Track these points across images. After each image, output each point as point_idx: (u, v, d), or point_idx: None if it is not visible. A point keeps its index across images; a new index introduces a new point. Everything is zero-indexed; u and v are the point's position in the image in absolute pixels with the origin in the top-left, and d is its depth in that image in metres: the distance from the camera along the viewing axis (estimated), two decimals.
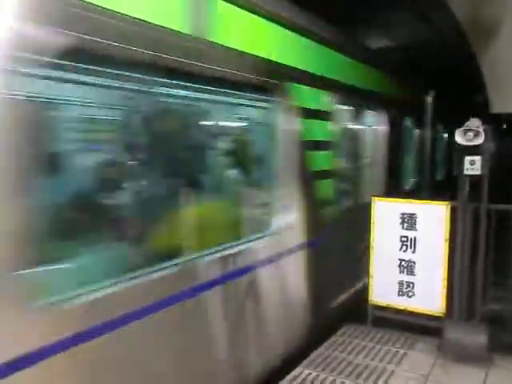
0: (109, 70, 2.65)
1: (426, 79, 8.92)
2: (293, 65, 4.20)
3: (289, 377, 3.80)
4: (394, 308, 4.64)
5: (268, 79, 3.86)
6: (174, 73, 2.99)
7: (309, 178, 4.44)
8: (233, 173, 4.25)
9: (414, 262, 4.48)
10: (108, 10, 2.44)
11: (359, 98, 5.76)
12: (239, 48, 3.50)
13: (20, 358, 2.07)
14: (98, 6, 2.38)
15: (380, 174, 6.52)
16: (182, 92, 3.39)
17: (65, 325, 2.29)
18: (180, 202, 3.22)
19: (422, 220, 4.43)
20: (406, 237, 4.50)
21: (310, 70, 4.51)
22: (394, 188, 6.78)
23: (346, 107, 5.45)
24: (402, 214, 4.51)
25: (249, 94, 3.92)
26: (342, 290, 5.20)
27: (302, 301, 4.37)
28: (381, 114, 6.45)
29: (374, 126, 6.42)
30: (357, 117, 5.99)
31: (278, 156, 4.13)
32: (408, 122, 8.05)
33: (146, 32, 2.69)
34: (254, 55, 3.67)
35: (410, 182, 8.39)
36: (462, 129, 4.02)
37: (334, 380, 3.75)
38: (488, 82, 6.33)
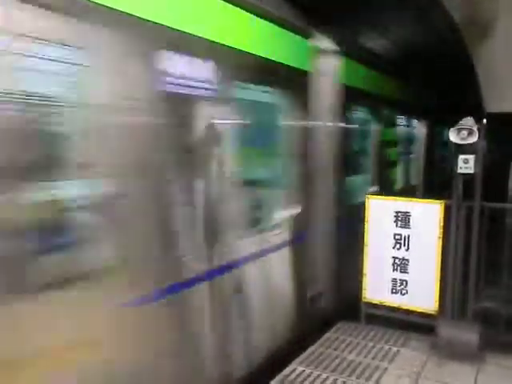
0: None
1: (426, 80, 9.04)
2: (380, 93, 6.78)
3: (282, 374, 3.81)
4: (387, 306, 4.67)
5: None
6: None
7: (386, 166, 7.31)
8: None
9: (408, 260, 4.50)
10: None
11: (408, 109, 8.38)
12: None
13: None
14: None
15: (421, 164, 9.68)
16: None
17: None
18: None
19: (415, 218, 4.45)
20: (400, 235, 4.52)
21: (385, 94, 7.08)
22: (431, 175, 9.99)
23: (401, 116, 8.13)
24: (396, 213, 4.53)
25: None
26: None
27: None
28: (421, 121, 9.37)
29: (417, 129, 9.42)
30: (407, 122, 8.73)
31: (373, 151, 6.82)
32: (438, 126, 10.83)
33: None
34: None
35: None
36: (455, 127, 4.04)
37: (327, 377, 3.77)
38: (483, 81, 6.35)
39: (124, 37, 2.55)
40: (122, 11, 2.49)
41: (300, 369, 3.90)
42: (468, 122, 4.06)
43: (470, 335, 4.08)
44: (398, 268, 4.54)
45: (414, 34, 7.41)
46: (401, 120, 8.16)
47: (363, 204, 4.73)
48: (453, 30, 6.26)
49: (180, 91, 2.96)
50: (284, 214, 4.35)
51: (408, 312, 4.57)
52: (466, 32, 6.05)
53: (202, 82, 3.13)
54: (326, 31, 4.93)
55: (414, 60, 8.04)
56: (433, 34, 7.51)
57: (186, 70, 2.98)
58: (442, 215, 4.31)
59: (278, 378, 3.76)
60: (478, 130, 3.98)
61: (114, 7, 2.45)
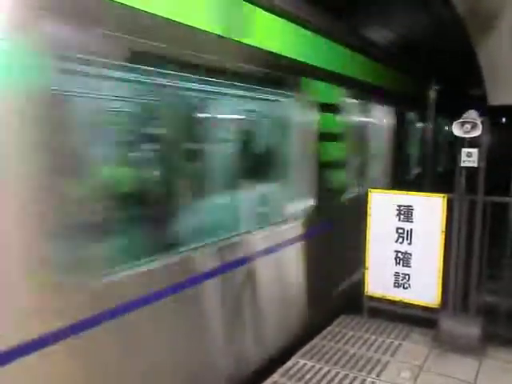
0: None
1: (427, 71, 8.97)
2: None
3: (284, 367, 3.83)
4: (389, 299, 4.67)
5: None
6: None
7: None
8: None
9: (410, 254, 4.49)
10: None
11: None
12: None
13: None
14: None
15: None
16: None
17: None
18: None
19: (418, 212, 4.43)
20: (403, 229, 4.51)
21: None
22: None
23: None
24: (399, 206, 4.51)
25: None
26: None
27: None
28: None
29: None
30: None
31: None
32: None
33: None
34: None
35: None
36: (459, 121, 4.01)
37: (329, 370, 3.78)
38: (486, 74, 6.31)
39: None
40: None
41: (302, 362, 3.91)
42: (471, 114, 4.03)
43: (471, 329, 4.09)
44: (401, 262, 4.54)
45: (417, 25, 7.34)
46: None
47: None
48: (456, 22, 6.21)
49: None
50: None
51: (410, 306, 4.57)
52: (471, 24, 6.00)
53: None
54: None
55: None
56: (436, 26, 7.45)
57: None
58: (444, 209, 4.30)
59: (280, 371, 3.77)
60: (482, 123, 3.96)
61: None
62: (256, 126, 4.61)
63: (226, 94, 3.89)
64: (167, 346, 2.96)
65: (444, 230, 4.30)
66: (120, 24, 2.51)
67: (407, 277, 4.52)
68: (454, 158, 4.17)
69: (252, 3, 3.52)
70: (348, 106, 5.43)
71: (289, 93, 4.25)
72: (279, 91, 4.17)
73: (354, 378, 3.65)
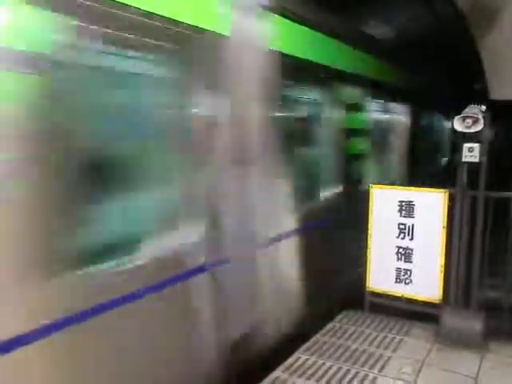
0: None
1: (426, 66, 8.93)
2: None
3: (286, 363, 3.83)
4: (391, 295, 4.67)
5: None
6: None
7: None
8: None
9: (412, 250, 4.49)
10: None
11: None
12: None
13: None
14: None
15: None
16: None
17: None
18: None
19: (419, 207, 4.43)
20: (404, 224, 4.51)
21: None
22: None
23: None
24: (400, 202, 4.51)
25: None
26: None
27: None
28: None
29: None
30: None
31: None
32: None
33: None
34: None
35: None
36: (460, 116, 4.00)
37: (331, 366, 3.78)
38: (488, 68, 6.28)
39: None
40: None
41: (304, 357, 3.92)
42: (473, 109, 4.02)
43: (473, 324, 4.08)
44: (402, 257, 4.53)
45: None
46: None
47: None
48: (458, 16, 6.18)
49: None
50: None
51: (412, 301, 4.57)
52: (472, 18, 5.97)
53: None
54: None
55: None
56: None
57: None
58: (445, 204, 4.29)
59: (282, 366, 3.78)
60: (484, 118, 3.94)
61: None
62: None
63: None
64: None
65: (445, 224, 4.29)
66: None
67: (409, 272, 4.52)
68: None
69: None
70: None
71: None
72: None
73: (356, 374, 3.66)
